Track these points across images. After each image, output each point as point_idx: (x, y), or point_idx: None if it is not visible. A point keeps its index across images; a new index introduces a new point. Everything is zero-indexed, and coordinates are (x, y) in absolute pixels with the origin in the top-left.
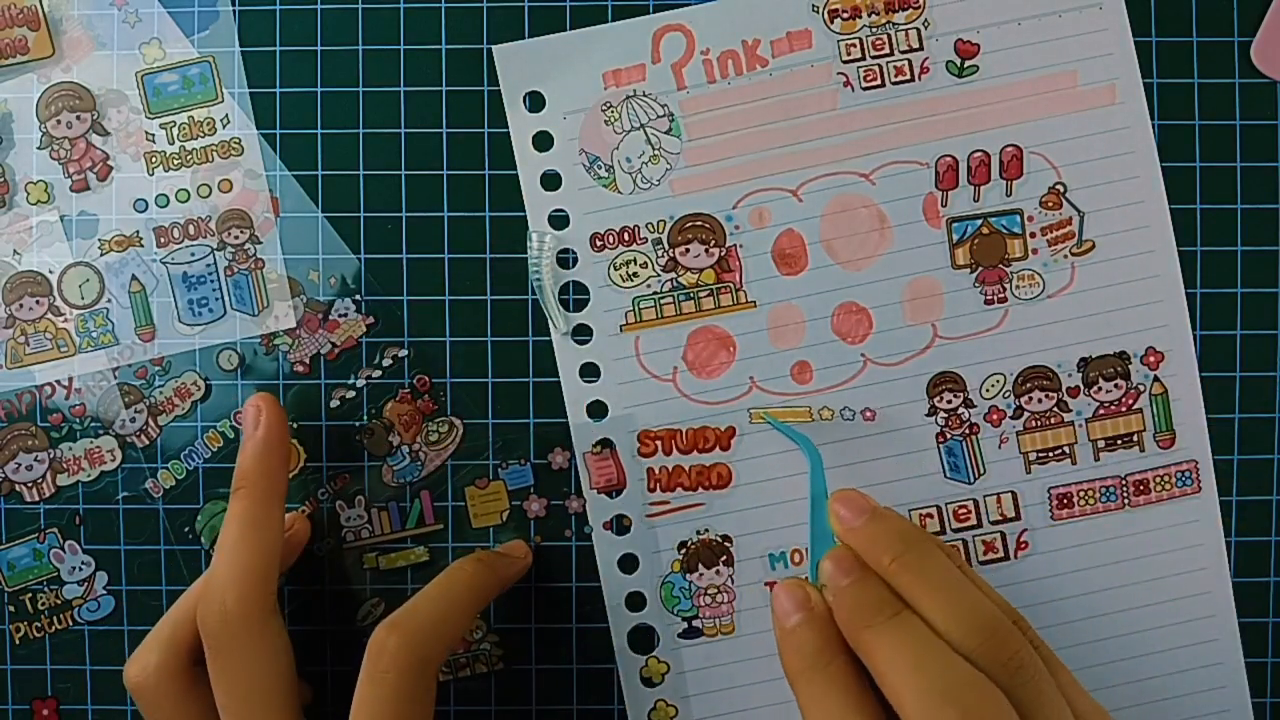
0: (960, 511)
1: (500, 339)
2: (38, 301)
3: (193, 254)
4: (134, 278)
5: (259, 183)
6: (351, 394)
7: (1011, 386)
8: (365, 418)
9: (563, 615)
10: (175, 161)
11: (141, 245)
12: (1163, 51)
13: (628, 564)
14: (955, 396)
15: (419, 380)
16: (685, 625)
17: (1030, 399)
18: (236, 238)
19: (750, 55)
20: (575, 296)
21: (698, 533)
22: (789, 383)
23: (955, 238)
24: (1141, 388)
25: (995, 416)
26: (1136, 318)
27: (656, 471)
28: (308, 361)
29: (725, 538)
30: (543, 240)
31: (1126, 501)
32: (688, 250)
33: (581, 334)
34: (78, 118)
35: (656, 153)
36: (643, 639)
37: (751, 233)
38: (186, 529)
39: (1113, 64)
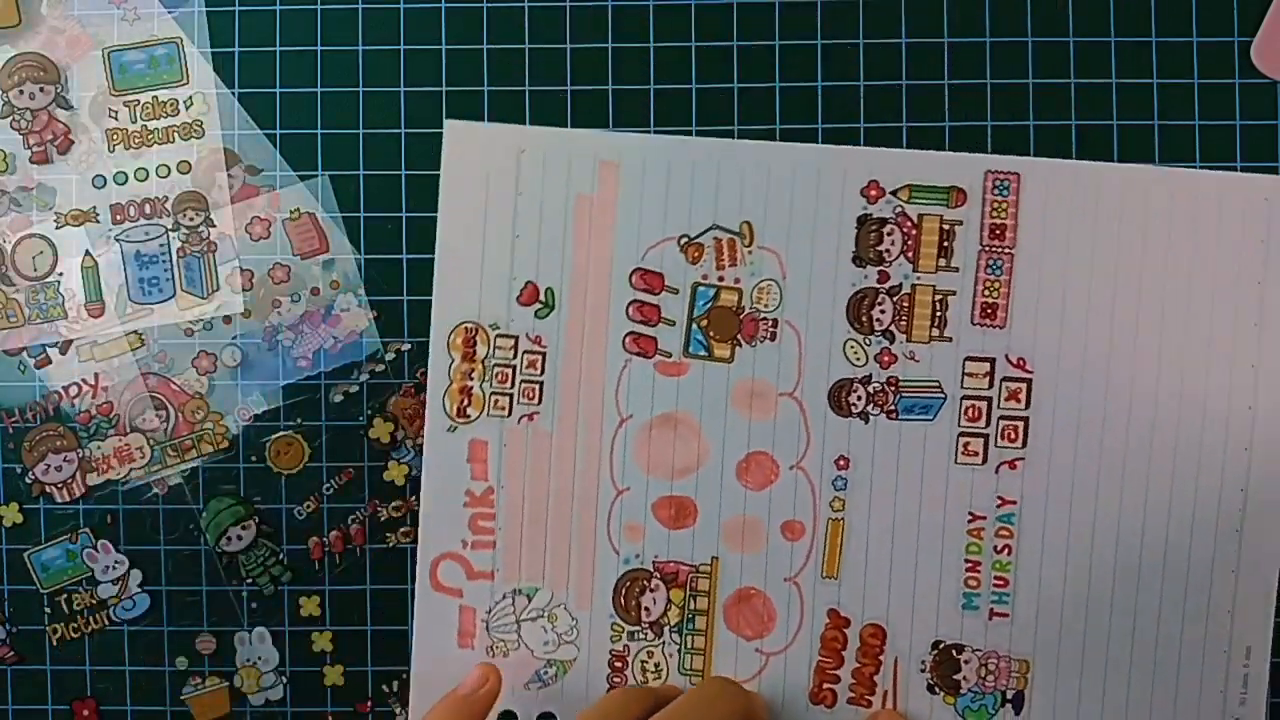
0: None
1: None
2: None
3: (147, 233)
4: (87, 252)
5: (219, 164)
6: (354, 389)
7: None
8: (368, 413)
9: None
10: (136, 140)
11: (97, 221)
12: (1163, 51)
13: None
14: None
15: (422, 374)
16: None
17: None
18: (191, 220)
19: None
20: None
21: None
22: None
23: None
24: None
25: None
26: None
27: None
28: (310, 356)
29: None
30: None
31: None
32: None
33: None
34: (41, 89)
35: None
36: None
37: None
38: (191, 526)
39: None
